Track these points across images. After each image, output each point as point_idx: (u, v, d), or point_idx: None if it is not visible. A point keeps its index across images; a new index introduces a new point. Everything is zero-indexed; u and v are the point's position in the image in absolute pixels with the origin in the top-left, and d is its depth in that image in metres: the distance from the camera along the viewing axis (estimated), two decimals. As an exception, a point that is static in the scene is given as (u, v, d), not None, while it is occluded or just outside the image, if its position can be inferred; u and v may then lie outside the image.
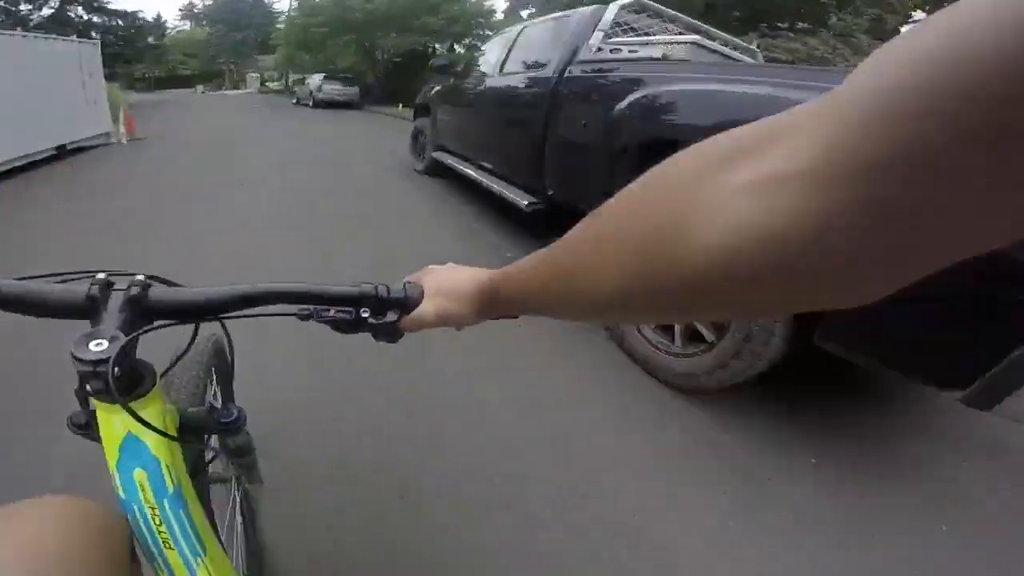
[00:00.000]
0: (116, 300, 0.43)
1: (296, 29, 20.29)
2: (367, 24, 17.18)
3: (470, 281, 0.48)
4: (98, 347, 0.39)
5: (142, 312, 0.43)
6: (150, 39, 30.82)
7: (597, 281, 0.30)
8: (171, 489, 0.44)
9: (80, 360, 0.38)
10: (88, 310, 0.42)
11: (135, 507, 0.43)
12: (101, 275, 0.44)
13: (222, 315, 0.47)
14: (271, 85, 29.80)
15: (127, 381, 0.42)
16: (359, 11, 17.09)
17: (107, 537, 0.42)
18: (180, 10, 54.99)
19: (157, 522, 0.43)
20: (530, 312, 0.41)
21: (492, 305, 0.46)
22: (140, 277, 0.45)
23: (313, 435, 1.57)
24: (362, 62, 21.07)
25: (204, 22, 43.38)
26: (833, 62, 10.20)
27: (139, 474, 0.43)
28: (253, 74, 31.44)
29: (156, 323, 0.45)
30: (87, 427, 0.47)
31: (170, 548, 0.43)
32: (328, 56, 20.34)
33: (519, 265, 0.41)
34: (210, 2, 41.46)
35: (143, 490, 0.43)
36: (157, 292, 0.45)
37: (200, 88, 38.30)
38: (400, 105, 15.50)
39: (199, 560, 0.44)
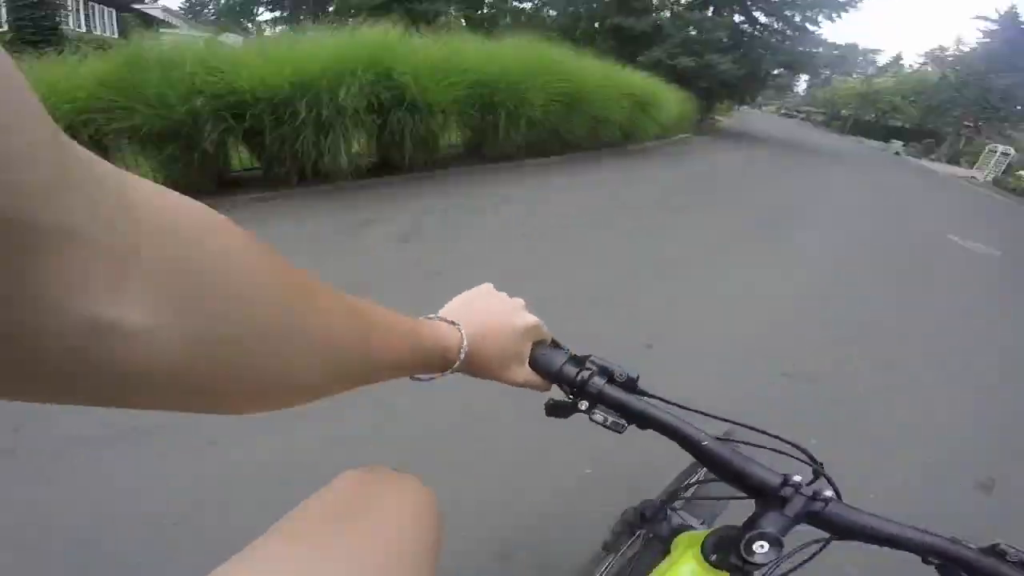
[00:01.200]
0: (797, 503, 0.42)
1: None
2: None
3: None
4: (762, 550, 0.39)
5: (817, 523, 0.42)
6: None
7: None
8: None
9: (745, 560, 0.39)
10: (771, 501, 0.42)
11: None
12: (796, 479, 0.43)
13: (869, 540, 0.42)
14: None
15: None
16: None
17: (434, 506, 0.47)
18: (924, 54, 45.83)
19: None
20: None
21: None
22: (829, 493, 0.43)
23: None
24: None
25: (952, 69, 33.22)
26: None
27: None
28: (996, 148, 20.53)
29: (822, 540, 0.44)
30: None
31: None
32: None
33: None
34: (974, 46, 30.79)
35: None
36: (837, 509, 0.42)
37: (896, 146, 30.68)
38: None
39: None
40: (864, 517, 0.43)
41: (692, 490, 0.66)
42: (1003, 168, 19.91)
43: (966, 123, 28.69)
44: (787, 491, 0.42)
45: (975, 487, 2.07)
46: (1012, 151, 20.17)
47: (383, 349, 0.34)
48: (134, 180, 0.19)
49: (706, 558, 0.44)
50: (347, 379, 0.31)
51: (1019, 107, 26.78)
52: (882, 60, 55.02)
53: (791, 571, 0.43)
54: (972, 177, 20.84)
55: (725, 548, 0.43)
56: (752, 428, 0.50)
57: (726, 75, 17.14)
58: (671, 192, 7.33)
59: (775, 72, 19.90)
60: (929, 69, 38.78)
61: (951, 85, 28.47)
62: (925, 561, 0.43)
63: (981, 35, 27.66)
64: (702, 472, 0.63)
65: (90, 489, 1.64)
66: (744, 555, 0.39)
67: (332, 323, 0.28)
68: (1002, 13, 26.97)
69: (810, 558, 0.44)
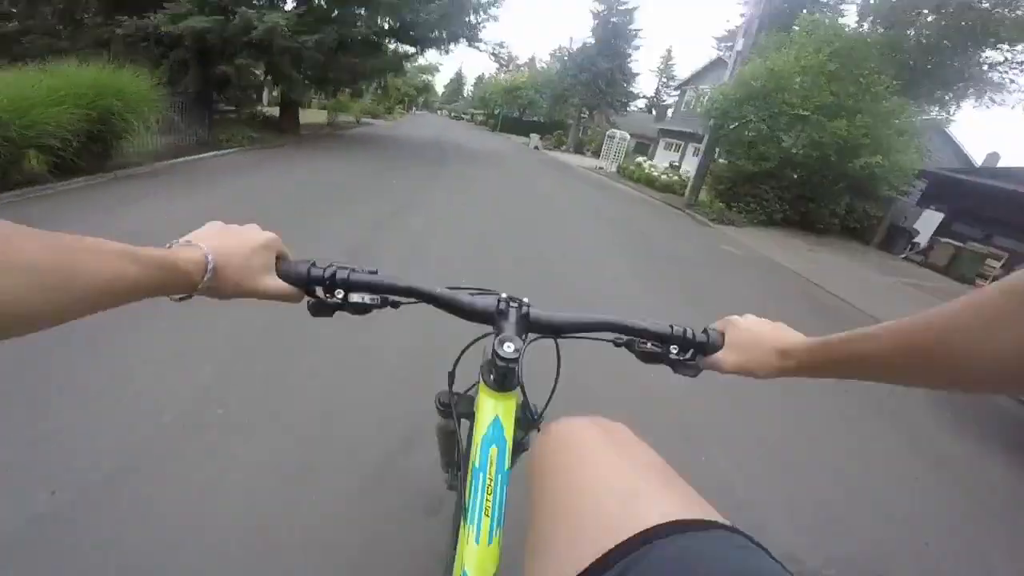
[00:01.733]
0: (511, 314, 0.62)
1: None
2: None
3: (774, 340, 0.62)
4: (510, 349, 0.56)
5: (527, 327, 0.62)
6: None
7: (975, 354, 0.37)
8: (506, 468, 0.56)
9: (500, 356, 0.55)
10: (494, 318, 0.62)
11: (482, 475, 0.54)
12: (504, 295, 0.64)
13: (569, 335, 0.66)
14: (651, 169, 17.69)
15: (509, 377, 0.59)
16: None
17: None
18: (550, 53, 52.67)
19: (489, 491, 0.53)
20: (866, 376, 0.49)
21: (811, 365, 0.56)
22: (526, 300, 0.64)
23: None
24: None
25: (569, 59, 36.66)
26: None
27: (493, 450, 0.56)
28: (614, 135, 20.78)
29: (532, 336, 0.64)
30: (447, 407, 0.80)
31: (487, 515, 0.52)
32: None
33: (859, 333, 0.50)
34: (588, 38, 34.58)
35: (491, 464, 0.55)
36: (536, 312, 0.64)
37: (535, 140, 32.13)
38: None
39: (499, 530, 0.52)
40: (558, 315, 0.65)
41: (459, 359, 0.78)
42: (623, 154, 20.43)
43: (583, 112, 31.25)
44: (503, 307, 0.63)
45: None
46: (627, 136, 20.98)
47: (94, 269, 0.36)
48: None
49: (487, 384, 0.60)
50: (61, 302, 0.33)
51: (622, 90, 30.13)
52: (522, 60, 61.03)
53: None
54: (599, 167, 21.13)
55: (488, 366, 0.59)
56: (462, 287, 0.67)
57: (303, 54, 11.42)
58: None
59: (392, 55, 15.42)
60: (557, 66, 43.01)
61: (568, 73, 30.33)
62: (616, 344, 0.68)
63: (592, 24, 30.24)
64: (461, 351, 0.77)
65: None
66: (498, 355, 0.55)
67: (24, 248, 0.30)
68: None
69: (528, 343, 0.63)
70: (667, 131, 27.14)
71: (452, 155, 16.65)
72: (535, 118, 47.15)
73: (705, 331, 0.67)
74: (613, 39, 29.57)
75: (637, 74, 31.27)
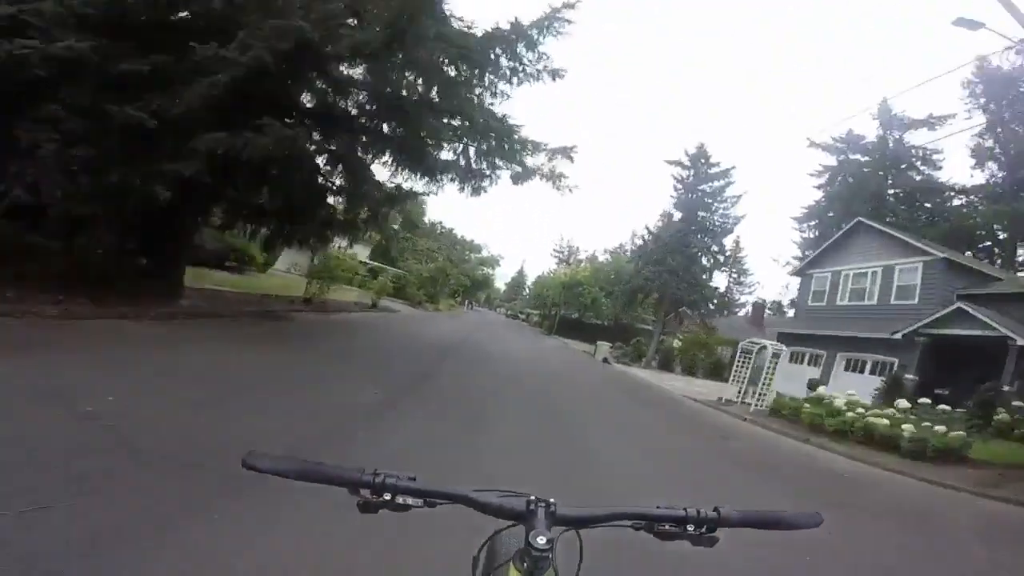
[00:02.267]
0: (539, 512, 0.69)
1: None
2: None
3: None
4: (543, 541, 0.63)
5: (555, 521, 0.69)
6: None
7: None
8: None
9: (534, 547, 0.62)
10: (525, 516, 0.69)
11: None
12: (533, 496, 0.71)
13: (596, 525, 0.73)
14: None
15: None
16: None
17: None
18: (608, 251, 49.28)
19: None
20: None
21: None
22: (553, 500, 0.71)
23: None
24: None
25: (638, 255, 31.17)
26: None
27: None
28: (753, 347, 12.21)
29: (560, 528, 0.69)
30: None
31: None
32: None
33: None
34: (653, 231, 29.65)
35: None
36: (562, 509, 0.70)
37: (604, 350, 24.32)
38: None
39: None
40: (583, 511, 0.73)
41: (485, 548, 0.85)
42: (770, 378, 11.70)
43: (668, 312, 23.81)
44: (532, 507, 0.69)
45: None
46: (783, 348, 12.63)
47: None
48: None
49: (518, 569, 0.66)
50: None
51: (703, 285, 22.91)
52: (582, 255, 58.46)
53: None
54: (724, 400, 12.36)
55: (522, 555, 0.65)
56: (490, 489, 0.73)
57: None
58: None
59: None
60: (629, 253, 37.92)
61: (649, 258, 23.85)
62: (635, 528, 0.74)
63: (675, 196, 25.08)
64: (487, 540, 0.84)
65: None
66: (532, 546, 0.62)
67: None
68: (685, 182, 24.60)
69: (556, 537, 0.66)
70: (795, 336, 18.61)
71: (479, 376, 8.72)
72: (598, 321, 40.98)
73: (716, 509, 0.73)
74: (703, 213, 23.66)
75: (735, 256, 24.34)
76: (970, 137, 26.65)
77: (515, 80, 8.72)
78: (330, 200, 11.41)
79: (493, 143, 9.47)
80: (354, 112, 9.13)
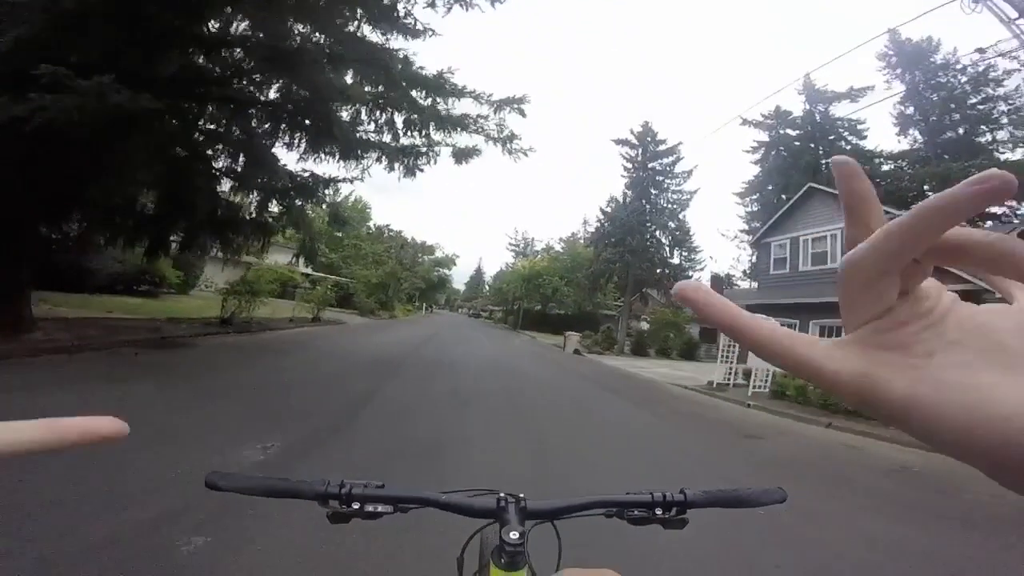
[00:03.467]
0: (510, 508, 0.70)
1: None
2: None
3: None
4: (515, 535, 0.64)
5: (526, 515, 0.70)
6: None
7: None
8: None
9: (507, 542, 0.64)
10: (496, 513, 0.70)
11: None
12: (502, 493, 0.72)
13: (568, 515, 0.74)
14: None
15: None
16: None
17: None
18: (561, 240, 47.92)
19: None
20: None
21: None
22: (522, 495, 0.72)
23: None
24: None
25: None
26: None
27: None
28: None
29: (532, 522, 0.70)
30: None
31: None
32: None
33: None
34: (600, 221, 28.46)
35: None
36: (533, 503, 0.72)
37: (574, 341, 22.87)
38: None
39: None
40: (552, 502, 0.74)
41: (467, 548, 0.83)
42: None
43: (633, 293, 22.70)
44: (502, 503, 0.71)
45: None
46: (772, 321, 11.39)
47: None
48: None
49: (498, 567, 0.65)
50: None
51: (664, 262, 21.95)
52: (539, 246, 56.79)
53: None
54: (714, 384, 11.16)
55: (498, 551, 0.65)
56: (459, 490, 0.75)
57: None
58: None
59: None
60: (574, 243, 36.77)
61: (607, 239, 22.56)
62: (607, 516, 0.75)
63: (627, 178, 23.89)
64: (468, 540, 0.84)
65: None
66: (506, 541, 0.64)
67: None
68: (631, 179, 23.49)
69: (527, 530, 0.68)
70: (761, 307, 17.88)
71: (434, 395, 6.91)
72: (561, 311, 39.73)
73: (682, 491, 0.74)
74: (655, 190, 22.68)
75: (691, 233, 23.53)
76: (893, 106, 27.44)
77: (439, 3, 6.82)
78: (233, 197, 9.28)
79: (423, 103, 7.66)
80: (228, 73, 7.01)
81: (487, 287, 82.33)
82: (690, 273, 22.50)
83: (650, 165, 23.47)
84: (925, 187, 27.99)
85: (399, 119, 8.21)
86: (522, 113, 7.45)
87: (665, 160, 23.47)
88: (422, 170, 8.67)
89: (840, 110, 29.79)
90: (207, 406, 4.47)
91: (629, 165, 23.98)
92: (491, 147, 8.12)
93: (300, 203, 9.18)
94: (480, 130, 7.80)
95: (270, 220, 9.56)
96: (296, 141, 8.57)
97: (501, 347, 18.89)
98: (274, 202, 8.82)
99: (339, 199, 11.78)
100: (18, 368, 5.02)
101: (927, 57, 26.49)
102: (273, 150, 8.47)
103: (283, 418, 4.35)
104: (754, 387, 10.47)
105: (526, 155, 8.01)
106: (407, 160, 8.75)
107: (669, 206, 23.16)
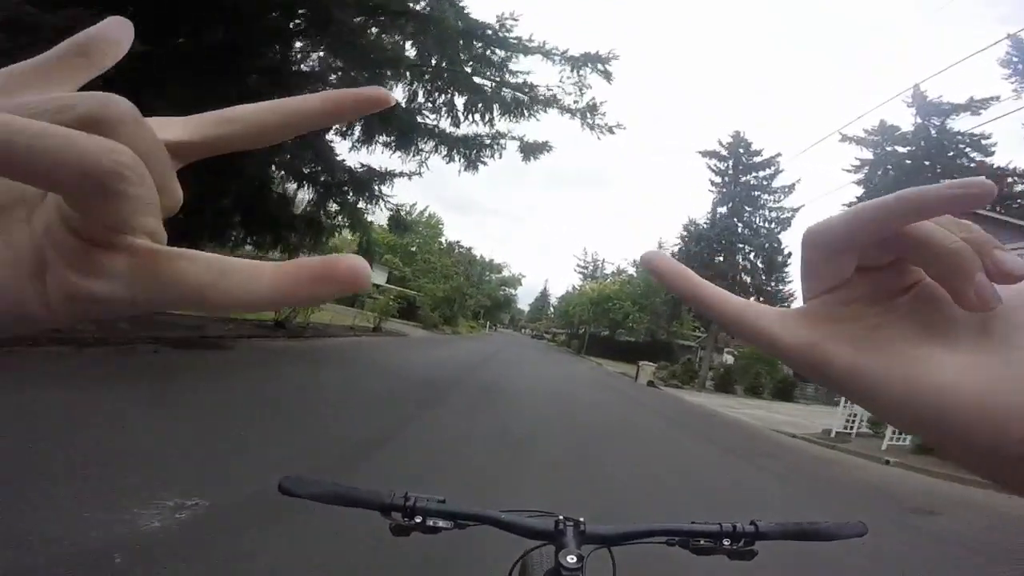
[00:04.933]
0: (568, 531, 0.68)
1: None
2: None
3: None
4: (573, 560, 0.64)
5: (585, 539, 0.68)
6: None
7: None
8: None
9: (564, 566, 0.63)
10: (554, 536, 0.69)
11: None
12: (561, 516, 0.71)
13: (629, 542, 0.71)
14: None
15: None
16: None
17: None
18: (633, 263, 44.81)
19: None
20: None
21: None
22: (582, 518, 0.70)
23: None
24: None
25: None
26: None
27: None
28: None
29: (591, 547, 0.69)
30: None
31: None
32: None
33: None
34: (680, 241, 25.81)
35: None
36: (592, 527, 0.70)
37: (648, 371, 20.19)
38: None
39: None
40: (614, 528, 0.72)
41: (516, 568, 0.84)
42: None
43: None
44: (560, 526, 0.69)
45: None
46: None
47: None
48: None
49: None
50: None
51: (761, 287, 19.27)
52: (608, 268, 54.42)
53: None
54: (835, 433, 8.94)
55: (551, 573, 0.65)
56: (517, 510, 0.75)
57: None
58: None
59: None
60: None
61: (693, 252, 20.32)
62: (669, 544, 0.72)
63: (716, 195, 21.82)
64: (518, 560, 0.83)
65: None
66: (563, 565, 0.63)
67: None
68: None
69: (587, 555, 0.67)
70: None
71: (484, 428, 5.63)
72: (630, 339, 37.13)
73: (753, 523, 0.72)
74: (748, 208, 20.10)
75: (790, 256, 20.56)
76: None
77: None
78: (282, 189, 8.70)
79: (484, 84, 6.54)
80: (264, 39, 6.19)
81: (552, 309, 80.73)
82: (788, 302, 19.66)
83: (743, 178, 21.02)
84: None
85: (459, 102, 7.17)
86: (607, 76, 6.03)
87: (761, 173, 20.92)
88: (484, 163, 7.55)
89: (959, 123, 25.70)
90: (166, 427, 3.39)
91: (718, 179, 21.69)
92: (568, 135, 6.80)
93: (355, 200, 8.37)
94: (553, 101, 6.49)
95: (324, 219, 8.87)
96: (348, 128, 7.82)
97: (565, 373, 17.25)
98: (329, 200, 8.07)
99: (402, 204, 10.96)
100: (24, 360, 4.33)
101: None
102: (326, 138, 7.72)
103: (246, 460, 3.13)
104: (891, 439, 8.13)
105: (612, 132, 6.57)
106: (469, 152, 7.67)
107: (766, 225, 20.50)
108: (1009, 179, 24.42)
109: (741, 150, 21.22)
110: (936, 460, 7.47)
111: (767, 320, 0.20)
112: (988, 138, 25.10)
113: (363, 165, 8.37)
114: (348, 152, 8.12)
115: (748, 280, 19.55)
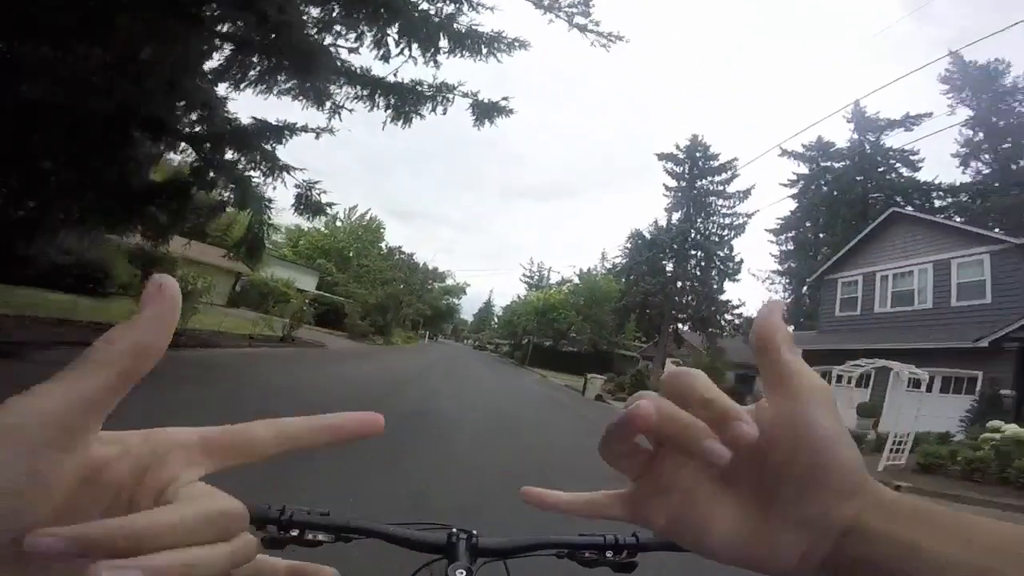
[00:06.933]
0: (461, 544, 0.65)
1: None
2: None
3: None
4: (463, 574, 0.60)
5: (477, 553, 0.65)
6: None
7: None
8: None
9: None
10: (445, 549, 0.65)
11: None
12: (455, 528, 0.67)
13: (520, 555, 0.70)
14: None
15: None
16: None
17: None
18: (577, 272, 44.48)
19: None
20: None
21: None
22: (475, 532, 0.67)
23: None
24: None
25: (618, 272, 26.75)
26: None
27: None
28: (858, 365, 7.82)
29: (483, 560, 0.66)
30: None
31: None
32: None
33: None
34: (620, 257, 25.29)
35: None
36: (484, 540, 0.67)
37: (596, 385, 18.89)
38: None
39: None
40: (505, 541, 0.69)
41: None
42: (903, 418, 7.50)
43: (673, 327, 19.37)
44: (453, 539, 0.65)
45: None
46: (924, 376, 8.58)
47: None
48: None
49: None
50: None
51: (713, 298, 18.74)
52: (554, 278, 53.62)
53: None
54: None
55: None
56: (409, 523, 0.72)
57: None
58: None
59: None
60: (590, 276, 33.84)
61: (641, 263, 19.36)
62: (558, 556, 0.71)
63: (669, 201, 21.23)
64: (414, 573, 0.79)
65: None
66: None
67: None
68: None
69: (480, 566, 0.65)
70: (824, 353, 14.51)
71: (397, 471, 3.69)
72: (572, 349, 36.22)
73: (634, 534, 0.70)
74: (701, 214, 19.64)
75: (741, 263, 20.29)
76: (959, 132, 24.71)
77: None
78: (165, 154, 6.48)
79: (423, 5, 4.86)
80: None
81: (495, 319, 79.03)
82: (740, 311, 19.26)
83: (699, 183, 20.56)
84: (989, 223, 25.20)
85: (392, 32, 5.37)
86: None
87: (717, 177, 20.56)
88: (421, 115, 5.79)
89: (893, 140, 27.31)
90: None
91: (674, 183, 21.14)
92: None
93: (237, 161, 6.28)
94: (540, 3, 4.91)
95: (198, 189, 6.67)
96: (234, 68, 5.78)
97: (508, 388, 15.58)
98: (191, 152, 5.95)
99: (315, 181, 8.85)
100: None
101: (996, 80, 23.98)
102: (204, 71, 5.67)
103: None
104: (888, 458, 7.19)
105: (613, 42, 5.12)
106: (401, 102, 5.88)
107: (720, 232, 20.09)
108: (933, 192, 26.00)
109: (698, 153, 20.88)
110: (938, 480, 6.70)
111: (608, 502, 0.29)
112: (916, 154, 26.48)
113: (255, 119, 6.34)
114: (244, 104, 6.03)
115: (699, 287, 18.94)
